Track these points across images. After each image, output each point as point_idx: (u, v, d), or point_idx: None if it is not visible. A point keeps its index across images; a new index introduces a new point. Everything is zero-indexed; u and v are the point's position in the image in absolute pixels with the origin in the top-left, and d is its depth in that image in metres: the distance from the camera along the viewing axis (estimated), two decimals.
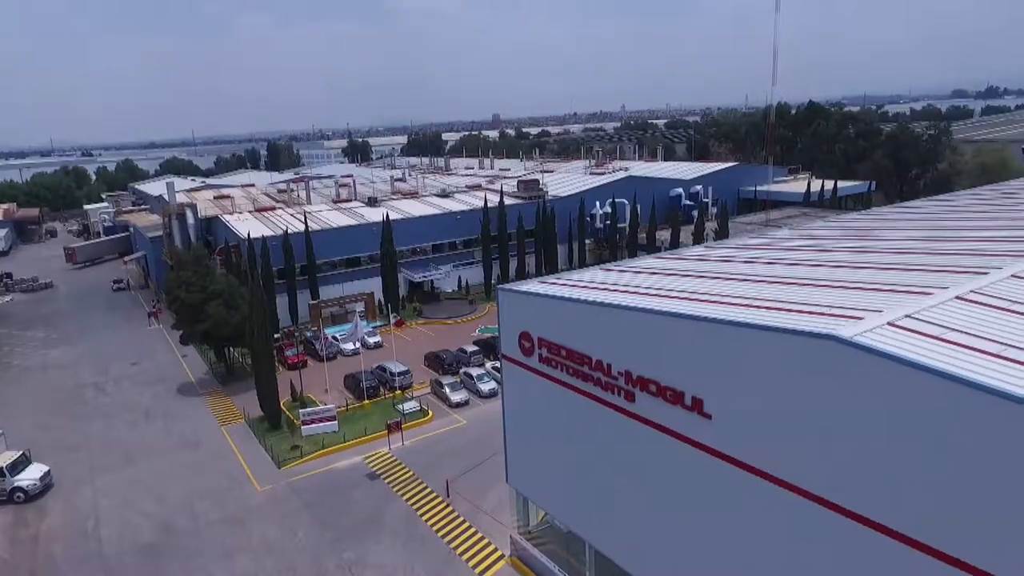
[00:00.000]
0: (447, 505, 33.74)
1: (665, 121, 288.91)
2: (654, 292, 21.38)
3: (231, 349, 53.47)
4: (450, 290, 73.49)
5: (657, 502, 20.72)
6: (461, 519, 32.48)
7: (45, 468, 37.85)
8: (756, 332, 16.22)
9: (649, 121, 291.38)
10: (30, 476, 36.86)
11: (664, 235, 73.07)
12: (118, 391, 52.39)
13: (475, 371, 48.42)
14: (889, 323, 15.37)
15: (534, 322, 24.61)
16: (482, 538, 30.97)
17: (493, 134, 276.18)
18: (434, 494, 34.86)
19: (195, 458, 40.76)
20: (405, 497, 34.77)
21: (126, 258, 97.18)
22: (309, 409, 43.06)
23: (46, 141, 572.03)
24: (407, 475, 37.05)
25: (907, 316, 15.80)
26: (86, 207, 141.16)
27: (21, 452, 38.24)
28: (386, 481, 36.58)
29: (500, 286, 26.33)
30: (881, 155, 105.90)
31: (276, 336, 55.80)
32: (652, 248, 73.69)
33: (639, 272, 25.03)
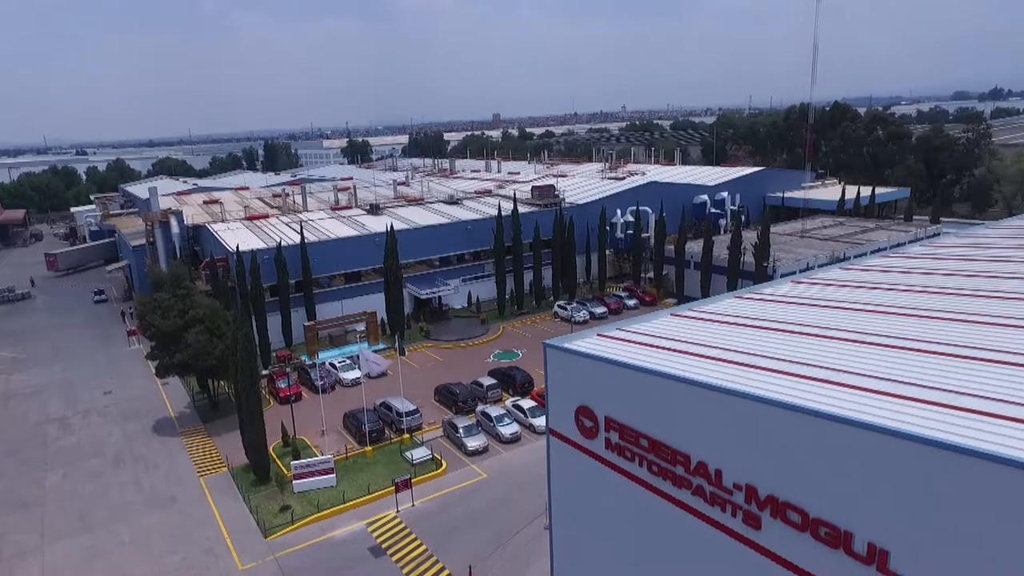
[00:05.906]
0: None
1: (670, 122, 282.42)
2: (786, 367, 14.94)
3: (215, 380, 47.17)
4: (459, 307, 67.27)
5: None
6: None
7: None
8: (1002, 469, 10.00)
9: (654, 122, 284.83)
10: None
11: (694, 247, 66.73)
12: (85, 428, 46.02)
13: (493, 411, 42.12)
14: None
15: (599, 396, 18.18)
16: None
17: (495, 134, 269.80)
18: None
19: (167, 521, 34.43)
20: None
21: (109, 267, 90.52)
22: (302, 461, 36.74)
23: (40, 139, 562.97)
24: (419, 550, 30.76)
25: None
26: (73, 209, 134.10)
27: None
28: (394, 558, 30.27)
29: (547, 342, 19.80)
30: (914, 159, 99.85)
31: (265, 373, 49.39)
32: (680, 261, 67.50)
33: (751, 325, 18.58)
